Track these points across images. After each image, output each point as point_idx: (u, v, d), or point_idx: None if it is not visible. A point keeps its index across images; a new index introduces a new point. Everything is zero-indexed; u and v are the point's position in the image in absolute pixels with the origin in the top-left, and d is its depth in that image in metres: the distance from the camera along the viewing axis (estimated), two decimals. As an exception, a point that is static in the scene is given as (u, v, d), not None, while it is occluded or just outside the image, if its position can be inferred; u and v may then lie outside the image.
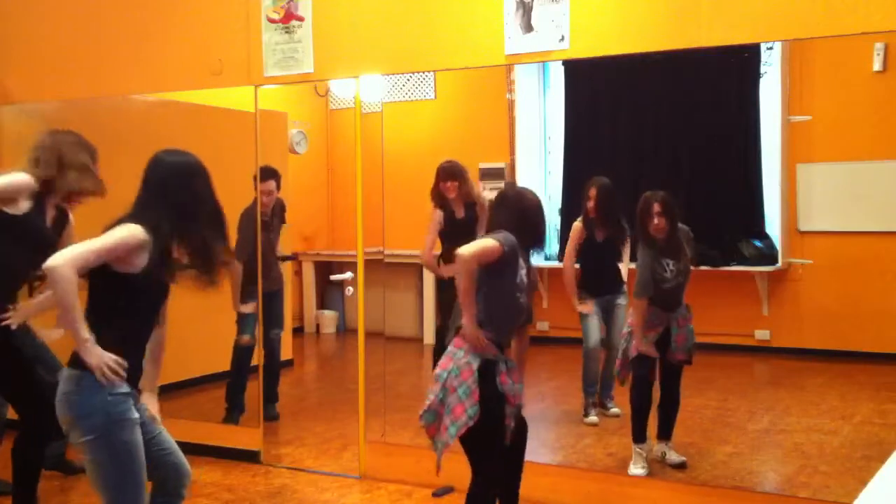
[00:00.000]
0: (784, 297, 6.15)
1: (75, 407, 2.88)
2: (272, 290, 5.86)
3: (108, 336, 2.89)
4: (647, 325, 4.62)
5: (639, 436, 4.60)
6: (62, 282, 2.74)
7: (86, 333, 2.83)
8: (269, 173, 5.73)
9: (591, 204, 5.28)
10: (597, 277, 5.42)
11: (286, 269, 6.50)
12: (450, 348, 3.52)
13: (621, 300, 5.36)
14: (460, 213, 5.52)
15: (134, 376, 2.99)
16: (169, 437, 3.14)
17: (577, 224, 5.37)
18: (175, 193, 3.00)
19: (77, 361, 2.88)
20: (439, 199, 5.51)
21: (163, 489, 3.12)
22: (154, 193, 3.00)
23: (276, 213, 6.00)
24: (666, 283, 4.60)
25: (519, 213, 3.54)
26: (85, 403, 2.86)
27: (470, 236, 5.33)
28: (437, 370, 3.53)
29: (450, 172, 5.47)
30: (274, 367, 6.01)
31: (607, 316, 5.41)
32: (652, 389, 4.67)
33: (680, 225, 4.60)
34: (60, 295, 2.77)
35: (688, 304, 4.68)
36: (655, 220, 4.53)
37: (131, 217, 2.94)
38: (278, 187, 5.90)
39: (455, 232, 5.62)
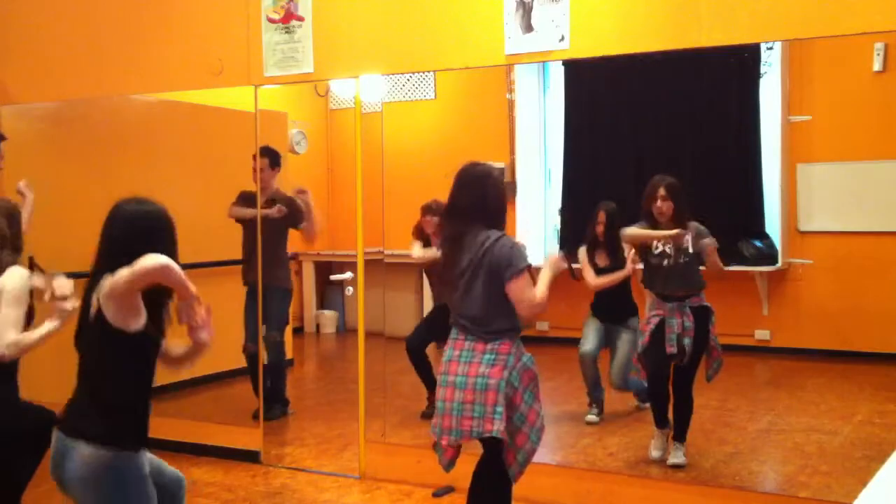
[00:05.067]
0: (784, 297, 6.16)
1: (106, 485, 2.74)
2: (269, 286, 5.73)
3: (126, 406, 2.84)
4: (648, 313, 4.71)
5: (658, 422, 4.72)
6: None
7: None
8: (261, 151, 5.69)
9: (599, 228, 5.32)
10: (601, 302, 5.42)
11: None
12: (489, 356, 3.27)
13: (626, 335, 5.28)
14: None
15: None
16: (155, 458, 3.04)
17: (583, 248, 5.36)
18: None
19: (102, 437, 2.74)
20: (419, 232, 5.74)
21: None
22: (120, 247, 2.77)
23: (280, 204, 5.85)
24: (652, 259, 4.63)
25: (481, 194, 3.40)
26: (116, 482, 2.75)
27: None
28: (489, 379, 3.23)
29: (427, 207, 5.68)
30: (273, 367, 5.93)
31: (611, 345, 5.42)
32: (667, 384, 4.66)
33: (695, 223, 4.58)
34: None
35: (707, 307, 4.59)
36: (658, 203, 4.58)
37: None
38: (272, 166, 5.82)
39: (431, 267, 5.67)
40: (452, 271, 3.37)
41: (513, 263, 3.26)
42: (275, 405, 5.91)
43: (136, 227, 2.81)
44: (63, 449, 2.78)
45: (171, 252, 2.80)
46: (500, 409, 3.20)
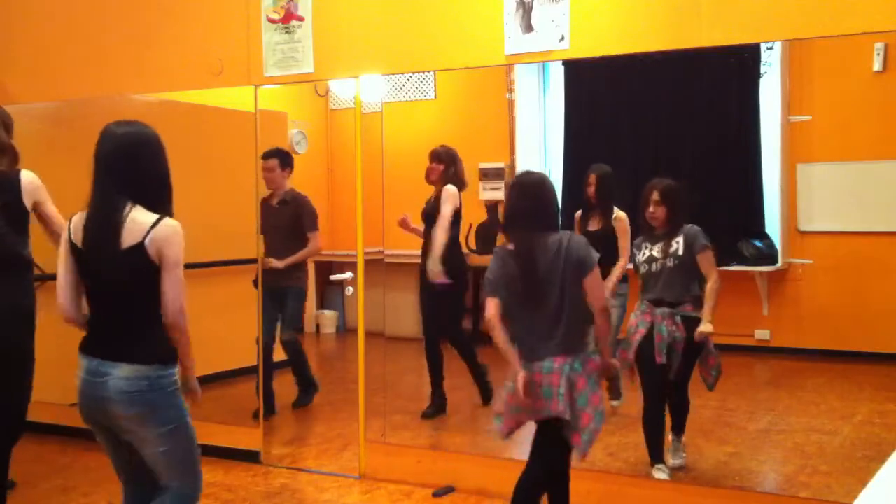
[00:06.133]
0: (784, 297, 6.15)
1: (153, 401, 2.94)
2: (287, 287, 5.94)
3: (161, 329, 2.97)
4: (635, 319, 4.53)
5: (653, 454, 4.48)
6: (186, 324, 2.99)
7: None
8: (271, 153, 5.97)
9: (590, 190, 5.28)
10: None
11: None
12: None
13: (612, 301, 5.27)
14: (431, 197, 5.71)
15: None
16: None
17: (578, 213, 5.38)
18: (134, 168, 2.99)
19: (149, 357, 2.93)
20: (428, 179, 5.82)
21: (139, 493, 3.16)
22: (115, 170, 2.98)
23: (291, 205, 6.04)
24: (640, 267, 4.55)
25: (535, 202, 3.60)
26: (163, 397, 2.96)
27: (428, 223, 5.65)
28: (553, 364, 3.44)
29: (434, 154, 5.78)
30: (295, 362, 6.19)
31: None
32: (664, 406, 4.52)
33: (691, 227, 4.50)
34: (187, 335, 3.01)
35: (696, 318, 4.43)
36: (651, 208, 4.51)
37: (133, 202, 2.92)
38: (282, 167, 6.02)
39: (425, 214, 5.73)
40: (528, 282, 3.49)
41: (591, 255, 3.50)
42: (305, 393, 6.22)
43: (129, 153, 2.99)
44: (102, 372, 2.93)
45: (166, 169, 3.02)
46: (562, 391, 3.39)
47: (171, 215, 2.99)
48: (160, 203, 2.96)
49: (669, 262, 4.48)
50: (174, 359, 3.01)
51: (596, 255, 3.52)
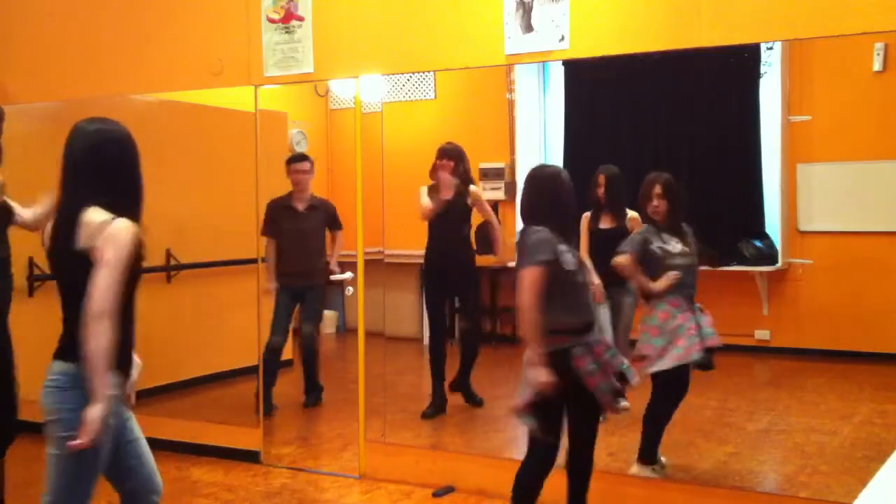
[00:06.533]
0: (784, 297, 6.15)
1: (69, 400, 2.73)
2: (311, 285, 6.11)
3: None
4: (680, 323, 4.39)
5: (651, 454, 4.46)
6: (106, 334, 2.66)
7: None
8: (303, 156, 6.27)
9: (600, 191, 5.26)
10: (602, 268, 5.33)
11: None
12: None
13: (629, 298, 5.27)
14: (447, 194, 5.64)
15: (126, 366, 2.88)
16: (145, 444, 3.00)
17: (586, 214, 5.33)
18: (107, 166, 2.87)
19: (77, 355, 2.71)
20: (433, 176, 5.76)
21: (130, 502, 3.00)
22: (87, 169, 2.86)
23: (321, 210, 6.24)
24: (673, 259, 4.40)
25: (552, 196, 3.58)
26: (80, 399, 2.70)
27: (455, 220, 5.65)
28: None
29: (443, 151, 5.71)
30: (309, 359, 6.33)
31: (613, 311, 5.33)
32: (673, 405, 4.48)
33: (683, 225, 4.51)
34: (101, 347, 2.67)
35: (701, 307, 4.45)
36: (655, 203, 4.48)
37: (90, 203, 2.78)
38: (311, 171, 6.24)
39: (449, 210, 5.71)
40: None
41: (531, 253, 3.41)
42: (311, 393, 6.29)
43: (100, 151, 2.89)
44: (49, 370, 2.83)
45: (137, 170, 2.92)
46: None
47: (138, 217, 2.84)
48: (128, 204, 2.82)
49: (696, 259, 4.48)
50: (115, 365, 2.74)
51: (537, 258, 3.41)
